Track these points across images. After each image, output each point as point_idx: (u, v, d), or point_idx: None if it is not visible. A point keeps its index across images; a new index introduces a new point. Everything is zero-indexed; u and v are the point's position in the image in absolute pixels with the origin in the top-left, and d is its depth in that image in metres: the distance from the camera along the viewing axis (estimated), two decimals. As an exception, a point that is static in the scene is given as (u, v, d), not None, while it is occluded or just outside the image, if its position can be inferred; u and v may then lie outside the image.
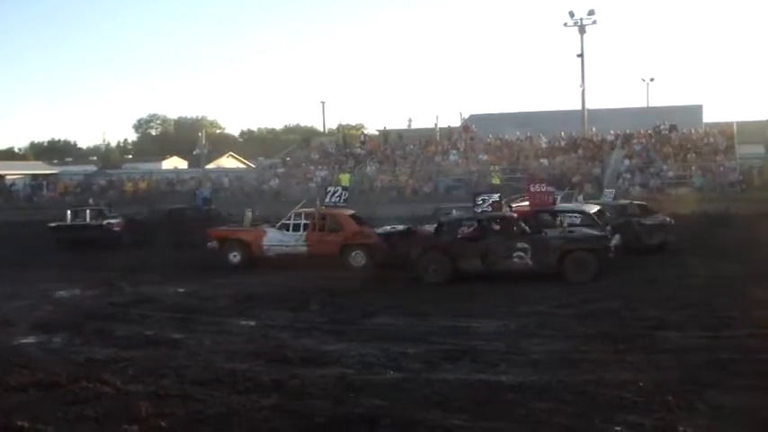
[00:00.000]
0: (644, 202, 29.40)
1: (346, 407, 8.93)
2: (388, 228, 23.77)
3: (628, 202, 29.12)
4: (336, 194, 24.71)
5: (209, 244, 24.50)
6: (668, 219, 26.57)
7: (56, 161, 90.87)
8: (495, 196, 21.23)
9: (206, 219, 31.99)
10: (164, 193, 53.83)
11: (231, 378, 10.38)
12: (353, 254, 22.78)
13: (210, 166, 70.20)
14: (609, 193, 32.57)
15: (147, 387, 9.88)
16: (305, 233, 23.30)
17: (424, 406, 8.90)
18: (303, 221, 23.58)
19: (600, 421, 8.23)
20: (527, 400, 9.03)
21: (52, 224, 32.39)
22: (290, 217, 23.93)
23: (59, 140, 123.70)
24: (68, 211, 33.17)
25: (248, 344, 12.86)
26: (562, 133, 52.25)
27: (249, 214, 25.89)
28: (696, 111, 61.27)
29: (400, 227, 23.83)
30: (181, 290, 19.12)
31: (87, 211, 32.98)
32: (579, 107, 56.21)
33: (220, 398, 9.42)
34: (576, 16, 54.81)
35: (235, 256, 23.89)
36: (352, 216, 24.23)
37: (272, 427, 8.30)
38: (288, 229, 23.65)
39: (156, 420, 8.53)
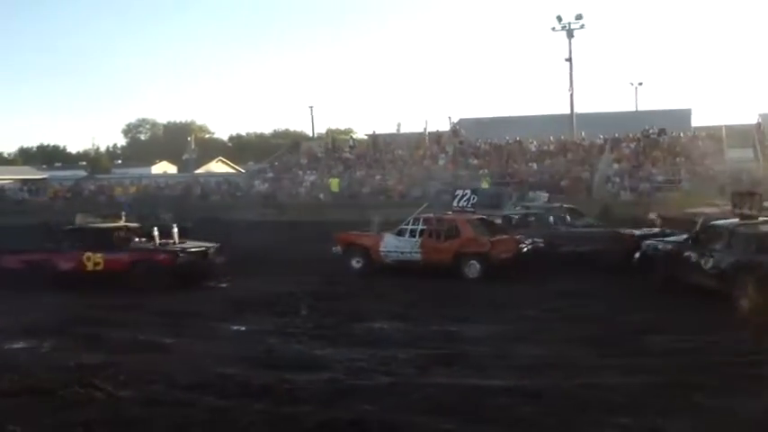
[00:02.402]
0: (574, 206, 28.04)
1: (335, 412, 8.95)
2: (645, 230, 22.69)
3: (558, 205, 28.05)
4: (465, 198, 23.55)
5: (333, 249, 23.33)
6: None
7: (45, 166, 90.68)
8: None
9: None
10: (153, 198, 53.72)
11: (220, 383, 10.39)
12: (469, 263, 20.97)
13: (200, 170, 70.21)
14: (540, 196, 32.26)
15: (138, 392, 9.88)
16: (420, 239, 21.83)
17: (414, 411, 8.93)
18: (420, 227, 22.05)
19: (589, 425, 8.28)
20: (517, 405, 9.07)
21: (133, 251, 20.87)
22: (408, 222, 22.45)
23: (48, 145, 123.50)
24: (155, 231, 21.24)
25: (237, 349, 12.85)
26: (551, 137, 52.34)
27: (376, 219, 24.18)
28: (685, 115, 61.41)
29: (656, 230, 22.65)
30: (170, 295, 19.07)
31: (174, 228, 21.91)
32: (568, 111, 56.33)
33: (210, 403, 9.44)
34: (564, 21, 54.88)
35: (357, 261, 22.64)
36: (481, 221, 22.51)
37: (261, 432, 8.32)
38: (405, 235, 22.18)
39: (146, 425, 8.54)
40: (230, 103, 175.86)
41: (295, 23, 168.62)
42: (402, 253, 21.96)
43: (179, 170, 78.85)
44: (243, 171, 73.84)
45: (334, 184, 49.26)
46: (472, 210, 23.33)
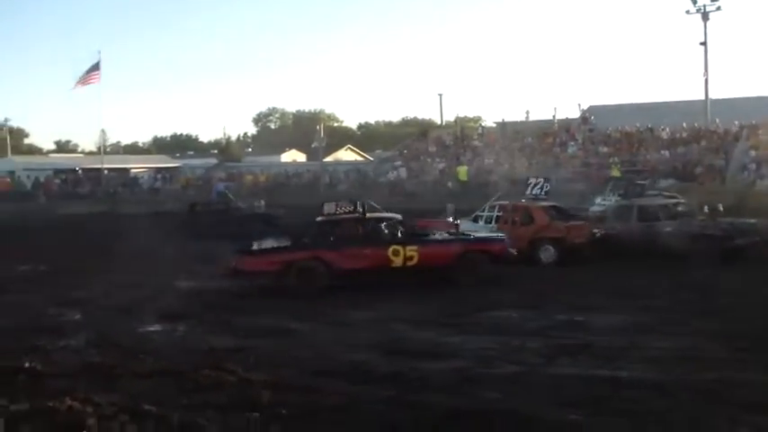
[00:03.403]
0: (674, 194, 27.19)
1: (464, 400, 8.95)
2: None
3: (656, 193, 27.19)
4: (538, 186, 23.83)
5: None
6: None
7: (178, 155, 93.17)
8: None
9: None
10: (282, 186, 54.64)
11: (350, 369, 10.53)
12: (543, 248, 21.47)
13: (329, 158, 70.96)
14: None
15: (268, 376, 10.04)
16: (495, 226, 22.22)
17: (543, 400, 8.87)
18: (496, 213, 22.78)
19: (722, 422, 8.05)
20: (647, 398, 8.91)
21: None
22: (484, 209, 23.27)
23: (181, 134, 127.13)
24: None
25: (366, 335, 12.98)
26: (684, 124, 51.03)
27: (451, 206, 25.36)
28: (830, 98, 58.95)
29: None
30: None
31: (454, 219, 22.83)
32: (702, 97, 54.79)
33: (339, 388, 9.55)
34: (699, 3, 53.19)
35: None
36: (554, 208, 23.07)
37: (389, 419, 8.36)
38: (480, 222, 22.83)
39: (276, 409, 8.69)
40: (359, 91, 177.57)
41: (425, 12, 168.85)
42: None
43: (308, 158, 79.85)
44: (371, 159, 74.39)
45: (462, 172, 49.18)
46: (545, 197, 23.53)
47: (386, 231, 18.48)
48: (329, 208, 18.77)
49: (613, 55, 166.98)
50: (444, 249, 18.47)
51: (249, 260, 17.83)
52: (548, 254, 21.41)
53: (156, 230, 30.42)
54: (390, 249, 17.89)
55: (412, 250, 17.92)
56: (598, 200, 32.05)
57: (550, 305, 15.26)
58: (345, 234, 18.29)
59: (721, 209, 23.46)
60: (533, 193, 23.59)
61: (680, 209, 23.49)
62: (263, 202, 35.34)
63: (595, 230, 21.80)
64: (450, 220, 23.39)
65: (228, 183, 51.03)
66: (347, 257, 17.64)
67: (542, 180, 24.27)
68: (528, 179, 24.73)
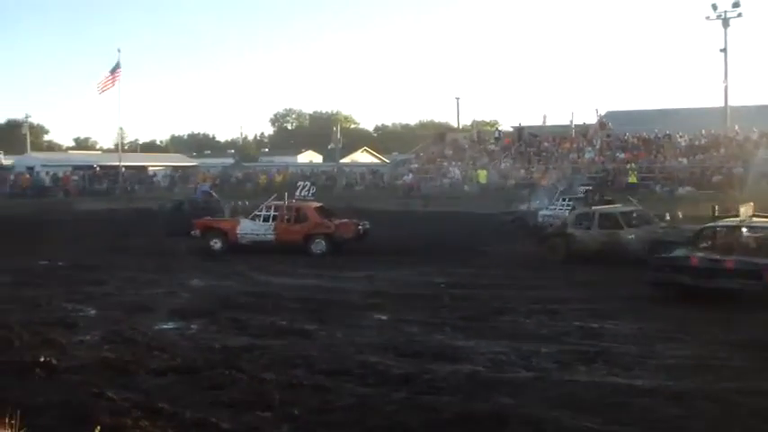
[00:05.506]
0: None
1: (476, 404, 8.90)
2: None
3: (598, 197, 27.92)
4: (305, 189, 27.58)
5: (192, 232, 26.60)
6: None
7: (195, 154, 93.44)
8: None
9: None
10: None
11: (362, 370, 10.49)
12: (315, 242, 25.20)
13: (345, 160, 70.95)
14: (579, 191, 32.75)
15: (280, 376, 10.06)
16: (273, 223, 25.67)
17: (555, 407, 8.80)
18: (273, 213, 25.85)
19: (740, 431, 7.97)
20: (661, 406, 8.83)
21: None
22: (261, 208, 26.15)
23: (199, 134, 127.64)
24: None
25: (379, 337, 12.93)
26: (703, 131, 50.72)
27: (228, 206, 29.46)
28: None
29: None
30: (310, 281, 19.36)
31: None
32: (721, 104, 54.48)
33: (351, 389, 9.55)
34: (720, 9, 52.81)
35: (215, 242, 26.09)
36: (320, 208, 26.77)
37: (400, 421, 8.34)
38: (258, 220, 25.92)
39: (288, 408, 8.67)
40: (376, 93, 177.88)
41: (443, 15, 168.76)
42: (257, 235, 25.87)
43: (324, 159, 79.94)
44: (387, 161, 74.34)
45: (482, 175, 49.17)
46: (312, 198, 27.47)
47: None
48: (746, 211, 17.86)
49: (632, 60, 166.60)
50: None
51: None
52: (319, 246, 25.20)
53: (142, 227, 31.08)
54: None
55: None
56: (537, 202, 32.62)
57: (569, 310, 15.15)
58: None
59: (681, 216, 23.45)
60: (302, 194, 27.20)
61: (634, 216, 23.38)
62: (247, 203, 35.90)
63: (360, 227, 25.62)
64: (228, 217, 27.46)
65: (213, 183, 51.65)
66: None
67: (309, 184, 28.53)
68: (297, 183, 28.62)
